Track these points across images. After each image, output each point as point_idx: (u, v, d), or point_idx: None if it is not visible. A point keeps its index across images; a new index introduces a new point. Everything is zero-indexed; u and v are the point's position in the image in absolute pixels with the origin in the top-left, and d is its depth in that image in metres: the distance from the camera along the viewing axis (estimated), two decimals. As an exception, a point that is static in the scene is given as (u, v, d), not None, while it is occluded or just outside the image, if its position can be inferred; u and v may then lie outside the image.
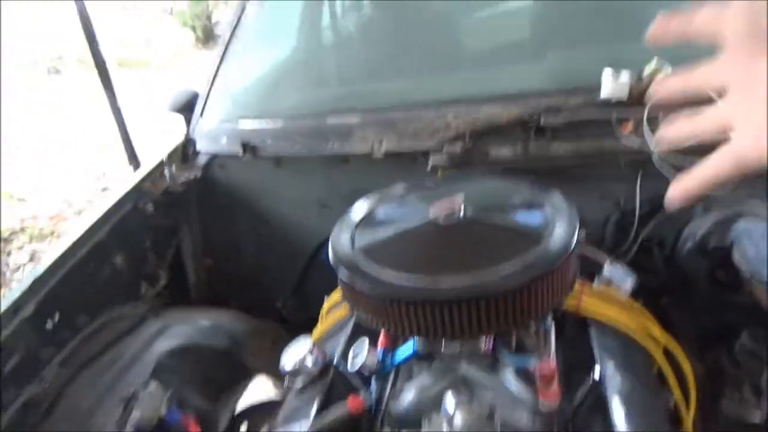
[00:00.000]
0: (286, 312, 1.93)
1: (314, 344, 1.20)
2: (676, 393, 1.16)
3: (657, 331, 1.19)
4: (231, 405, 1.51)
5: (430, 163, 1.57)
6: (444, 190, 1.16)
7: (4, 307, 1.31)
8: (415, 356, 1.10)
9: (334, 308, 1.48)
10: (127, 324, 1.57)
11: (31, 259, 4.59)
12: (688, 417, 1.17)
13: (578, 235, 1.00)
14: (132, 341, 1.50)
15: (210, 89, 2.00)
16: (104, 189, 5.57)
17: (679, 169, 1.34)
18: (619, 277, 1.26)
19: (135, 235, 1.76)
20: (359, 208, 1.23)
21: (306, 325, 1.96)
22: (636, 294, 1.24)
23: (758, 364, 1.17)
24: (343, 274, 1.04)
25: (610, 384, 1.03)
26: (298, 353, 1.20)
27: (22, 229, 4.98)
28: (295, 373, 1.19)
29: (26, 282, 1.38)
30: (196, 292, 1.97)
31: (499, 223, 1.08)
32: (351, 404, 1.05)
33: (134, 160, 2.51)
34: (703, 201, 1.32)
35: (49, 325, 1.41)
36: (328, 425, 1.04)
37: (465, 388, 1.08)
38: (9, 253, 4.59)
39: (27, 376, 1.34)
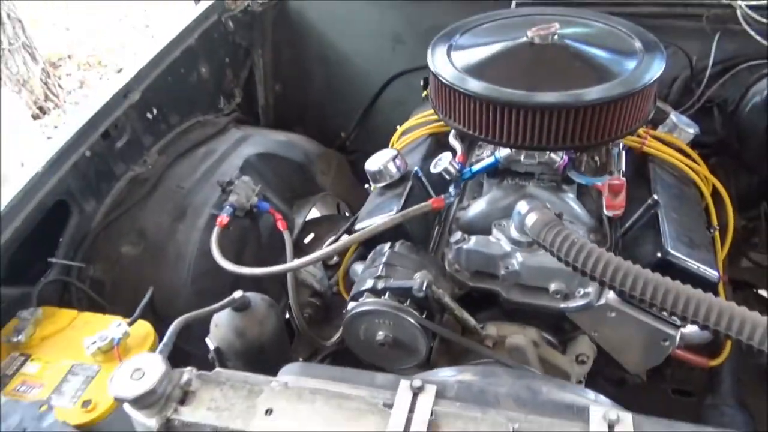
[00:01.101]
0: (350, 142, 2.06)
1: (398, 152, 1.33)
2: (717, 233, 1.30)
3: (708, 175, 1.30)
4: (303, 212, 1.68)
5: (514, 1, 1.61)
6: (538, 19, 1.23)
7: (114, 91, 1.44)
8: (496, 166, 1.23)
9: (404, 135, 1.59)
10: (213, 129, 1.71)
11: (81, 86, 4.70)
12: (721, 253, 1.31)
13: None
14: (220, 142, 1.65)
15: None
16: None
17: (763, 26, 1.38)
18: (683, 124, 1.35)
19: (217, 49, 1.85)
20: (456, 29, 1.30)
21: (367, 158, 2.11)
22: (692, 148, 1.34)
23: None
24: (443, 79, 1.13)
25: (664, 208, 1.16)
26: (382, 158, 1.33)
27: (69, 56, 5.05)
28: (378, 174, 1.33)
29: (131, 71, 1.50)
30: (264, 115, 2.09)
31: (590, 48, 1.15)
32: (434, 203, 1.20)
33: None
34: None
35: (149, 115, 1.55)
36: (411, 215, 1.18)
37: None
38: (59, 78, 4.70)
39: (133, 156, 1.50)
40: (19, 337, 1.12)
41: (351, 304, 1.09)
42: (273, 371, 0.86)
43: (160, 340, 0.92)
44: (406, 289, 1.05)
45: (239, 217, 1.43)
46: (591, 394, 0.86)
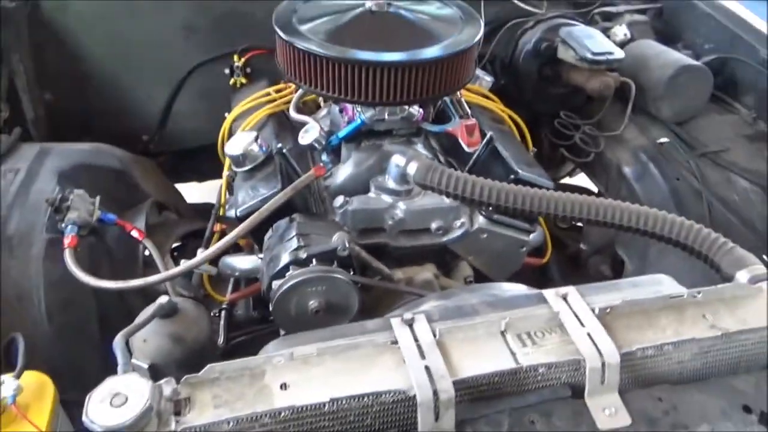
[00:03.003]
0: (154, 145, 1.89)
1: (257, 133, 1.31)
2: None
3: (510, 112, 1.60)
4: (138, 223, 1.51)
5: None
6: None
7: None
8: (361, 128, 1.30)
9: (239, 120, 1.56)
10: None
11: None
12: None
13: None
14: (17, 161, 1.38)
15: None
16: None
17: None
18: (482, 75, 1.62)
19: (-31, 55, 1.52)
20: (291, 3, 1.33)
21: (182, 157, 1.97)
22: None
23: (569, 134, 1.66)
24: (301, 47, 1.17)
25: (498, 139, 1.39)
26: (243, 142, 1.30)
27: None
28: (243, 158, 1.29)
29: None
30: (36, 129, 1.78)
31: (421, 16, 1.31)
32: (317, 171, 1.22)
33: None
34: (531, 19, 1.73)
35: None
36: (299, 187, 1.19)
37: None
38: None
39: None
40: None
41: (276, 283, 1.07)
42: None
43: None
44: (330, 252, 1.08)
45: (82, 235, 1.24)
46: (523, 286, 1.02)
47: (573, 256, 1.69)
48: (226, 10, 1.76)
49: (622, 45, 1.69)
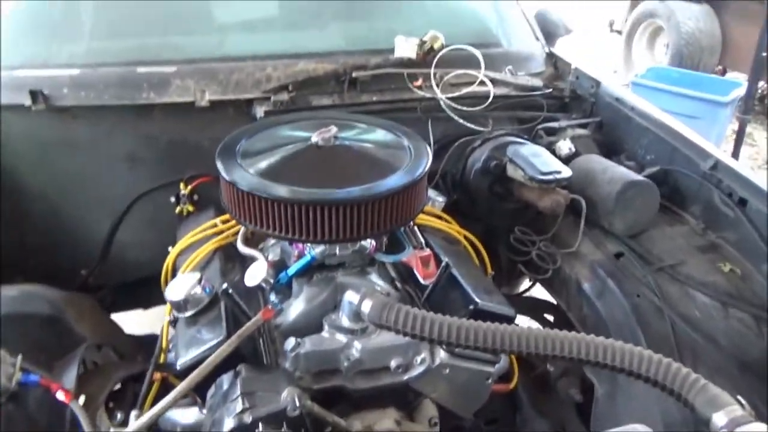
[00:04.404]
0: (94, 279, 1.78)
1: (201, 275, 1.24)
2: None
3: (464, 231, 1.57)
4: (71, 374, 1.37)
5: (259, 111, 1.68)
6: (316, 123, 1.32)
7: None
8: (312, 263, 1.24)
9: (183, 254, 1.48)
10: None
11: None
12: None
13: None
14: (-68, 317, 1.25)
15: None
16: None
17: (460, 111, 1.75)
18: (435, 195, 1.61)
19: None
20: (235, 139, 1.30)
21: (124, 290, 1.85)
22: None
23: (526, 250, 1.64)
24: (245, 188, 1.12)
25: (454, 265, 1.35)
26: (185, 285, 1.22)
27: None
28: (185, 303, 1.21)
29: None
30: (-37, 270, 1.66)
31: (368, 146, 1.30)
32: (264, 315, 1.14)
33: None
34: (479, 137, 1.76)
35: None
36: (246, 334, 1.10)
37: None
38: None
39: None
40: None
41: (215, 455, 0.95)
42: None
43: None
44: (280, 413, 0.98)
45: None
46: None
47: (540, 378, 1.61)
48: (171, 139, 1.74)
49: (567, 159, 1.72)
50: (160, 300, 1.93)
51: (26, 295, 1.44)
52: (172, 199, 1.72)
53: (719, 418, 0.86)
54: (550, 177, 1.49)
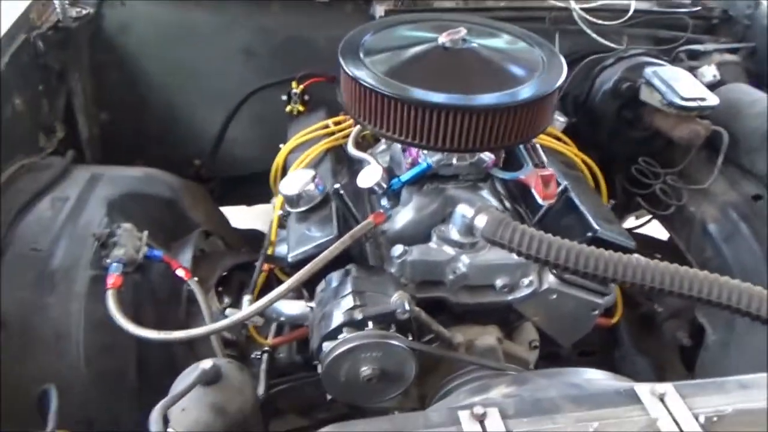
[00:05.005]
0: (206, 170, 1.85)
1: (315, 173, 1.23)
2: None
3: (585, 157, 1.47)
4: (186, 255, 1.45)
5: (379, 10, 1.60)
6: (442, 24, 1.24)
7: None
8: (426, 172, 1.21)
9: (294, 152, 1.48)
10: (50, 173, 1.37)
11: None
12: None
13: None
14: (67, 187, 1.34)
15: None
16: None
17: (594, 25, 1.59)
18: (556, 115, 1.50)
19: (30, 75, 1.49)
20: (361, 32, 1.25)
21: (232, 183, 1.92)
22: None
23: (648, 183, 1.53)
24: (369, 86, 1.08)
25: (572, 189, 1.27)
26: (300, 181, 1.22)
27: None
28: (298, 198, 1.22)
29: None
30: (91, 149, 1.76)
31: (498, 53, 1.21)
32: (376, 218, 1.13)
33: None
34: (611, 55, 1.60)
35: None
36: (357, 235, 1.10)
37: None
38: None
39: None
40: None
41: (327, 345, 0.98)
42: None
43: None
44: (389, 314, 0.98)
45: (127, 272, 1.18)
46: (607, 374, 0.90)
47: (646, 317, 1.54)
48: (288, 35, 1.71)
49: (710, 88, 1.54)
50: (264, 198, 2.00)
51: (149, 177, 1.52)
52: (284, 98, 1.72)
53: None
54: (693, 104, 1.35)
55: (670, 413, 0.73)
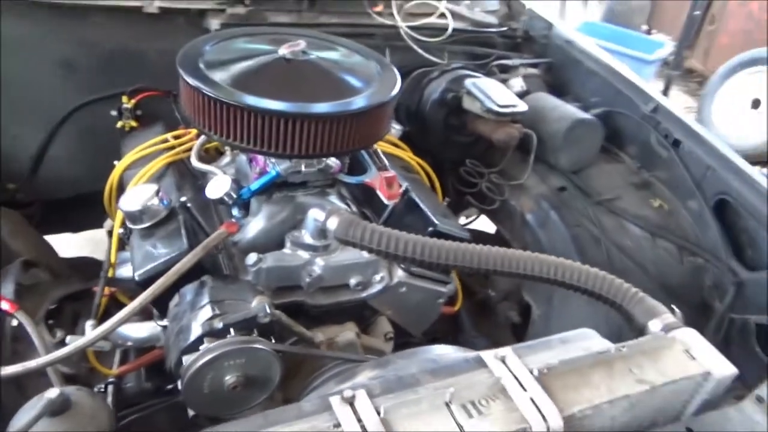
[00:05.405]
0: (23, 194, 1.66)
1: (158, 187, 1.19)
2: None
3: (420, 161, 1.60)
4: (7, 288, 1.30)
5: (213, 23, 1.59)
6: (280, 37, 1.28)
7: None
8: (275, 180, 1.23)
9: (131, 168, 1.41)
10: None
11: None
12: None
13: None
14: None
15: None
16: None
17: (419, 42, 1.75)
18: (392, 124, 1.61)
19: None
20: (199, 44, 1.23)
21: (56, 207, 1.75)
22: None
23: (475, 182, 1.70)
24: (214, 96, 1.08)
25: (412, 190, 1.38)
26: (142, 197, 1.17)
27: None
28: (141, 214, 1.16)
29: None
30: None
31: (336, 64, 1.27)
32: (228, 228, 1.12)
33: None
34: (436, 69, 1.76)
35: None
36: (210, 245, 1.08)
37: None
38: None
39: None
40: None
41: (187, 358, 0.95)
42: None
43: None
44: (250, 320, 0.98)
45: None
46: (453, 348, 1.00)
47: (482, 302, 1.71)
48: (112, 48, 1.62)
49: (519, 96, 1.77)
50: (91, 223, 1.86)
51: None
52: (113, 113, 1.62)
53: (654, 325, 0.97)
54: (508, 110, 1.54)
55: (511, 371, 0.84)
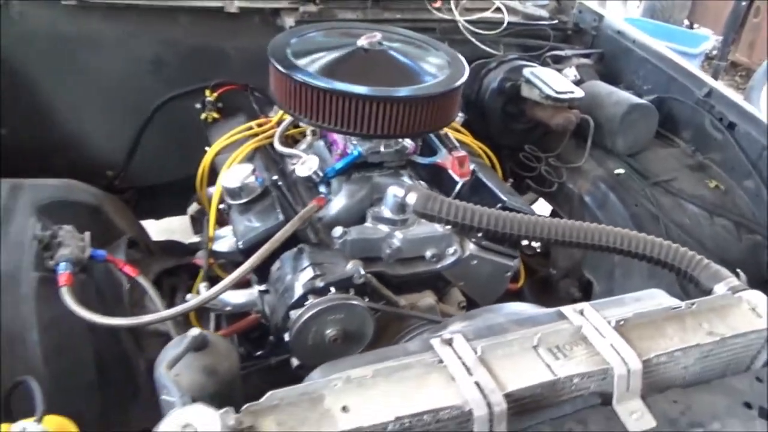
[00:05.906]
0: (120, 181, 1.82)
1: (254, 167, 1.32)
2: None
3: (483, 146, 1.70)
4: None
5: (287, 21, 1.72)
6: (359, 30, 1.40)
7: None
8: (356, 160, 1.34)
9: (222, 154, 1.54)
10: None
11: None
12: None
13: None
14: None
15: None
16: None
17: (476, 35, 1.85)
18: (455, 111, 1.72)
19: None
20: (285, 37, 1.36)
21: (147, 193, 1.90)
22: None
23: (534, 166, 1.79)
24: (304, 81, 1.20)
25: (479, 171, 1.48)
26: (240, 175, 1.30)
27: None
28: (239, 191, 1.29)
29: None
30: (-11, 166, 1.67)
31: (408, 54, 1.38)
32: (318, 202, 1.24)
33: None
34: (494, 60, 1.86)
35: None
36: (305, 217, 1.20)
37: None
38: None
39: None
40: None
41: (294, 313, 1.07)
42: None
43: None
44: (347, 280, 1.09)
45: (74, 273, 1.18)
46: (531, 305, 1.09)
47: (544, 280, 1.79)
48: (195, 45, 1.76)
49: (575, 85, 1.85)
50: (173, 210, 2.01)
51: (69, 185, 1.49)
52: (198, 106, 1.77)
53: (720, 288, 1.04)
54: (565, 96, 1.62)
55: (590, 322, 0.93)
